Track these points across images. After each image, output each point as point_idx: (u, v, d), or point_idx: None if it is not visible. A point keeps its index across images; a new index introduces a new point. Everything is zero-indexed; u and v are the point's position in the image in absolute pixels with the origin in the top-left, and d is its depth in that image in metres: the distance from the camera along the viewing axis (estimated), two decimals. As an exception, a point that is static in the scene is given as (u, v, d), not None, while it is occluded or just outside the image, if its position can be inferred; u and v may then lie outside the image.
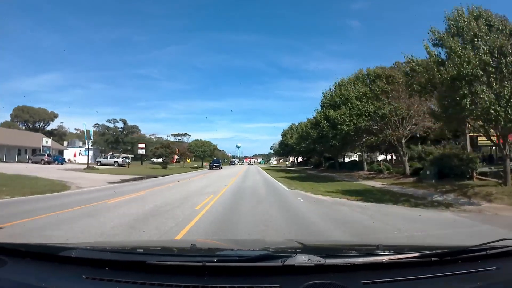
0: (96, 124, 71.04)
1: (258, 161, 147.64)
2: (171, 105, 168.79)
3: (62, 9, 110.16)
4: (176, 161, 61.94)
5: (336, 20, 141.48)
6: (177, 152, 62.31)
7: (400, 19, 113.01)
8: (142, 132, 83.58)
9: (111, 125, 69.69)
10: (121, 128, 70.20)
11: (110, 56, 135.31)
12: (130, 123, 78.19)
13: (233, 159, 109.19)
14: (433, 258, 1.36)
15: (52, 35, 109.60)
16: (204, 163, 73.23)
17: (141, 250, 1.77)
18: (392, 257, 1.35)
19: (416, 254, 1.38)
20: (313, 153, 52.82)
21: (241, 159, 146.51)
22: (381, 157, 47.51)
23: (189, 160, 72.34)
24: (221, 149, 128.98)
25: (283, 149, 75.20)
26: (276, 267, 1.25)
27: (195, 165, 65.69)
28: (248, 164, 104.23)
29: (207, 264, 1.25)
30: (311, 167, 56.68)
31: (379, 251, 1.50)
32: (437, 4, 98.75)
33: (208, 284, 1.20)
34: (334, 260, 1.34)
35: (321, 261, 1.25)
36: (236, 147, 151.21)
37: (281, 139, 72.72)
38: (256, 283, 1.20)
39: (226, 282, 1.21)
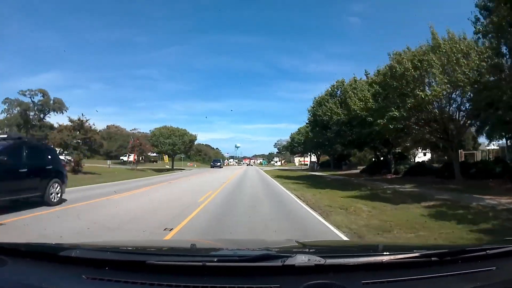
0: (6, 98, 41.11)
1: (259, 161, 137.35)
2: (170, 105, 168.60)
3: (62, 10, 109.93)
4: (137, 160, 38.64)
5: (336, 22, 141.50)
6: (136, 143, 38.28)
7: (401, 20, 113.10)
8: (72, 112, 51.99)
9: (27, 100, 40.48)
10: (39, 104, 40.16)
11: (110, 57, 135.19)
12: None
13: (217, 159, 69.63)
14: (433, 258, 1.35)
15: (52, 35, 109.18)
16: (180, 163, 54.16)
17: (141, 250, 1.78)
18: (392, 257, 1.35)
19: (416, 254, 1.38)
20: (364, 145, 27.83)
21: (240, 159, 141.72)
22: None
23: (167, 159, 49.97)
24: (215, 147, 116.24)
25: (317, 133, 36.58)
26: (276, 267, 1.25)
27: (167, 167, 42.58)
28: (247, 165, 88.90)
29: (207, 264, 1.25)
30: (358, 171, 31.80)
31: (379, 251, 1.50)
32: (437, 6, 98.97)
33: (208, 284, 1.20)
34: (334, 260, 1.34)
35: (321, 261, 1.25)
36: (235, 147, 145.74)
37: (309, 117, 38.27)
38: (256, 283, 1.21)
39: (226, 282, 1.21)
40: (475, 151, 27.23)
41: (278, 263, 1.24)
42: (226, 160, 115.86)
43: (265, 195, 13.13)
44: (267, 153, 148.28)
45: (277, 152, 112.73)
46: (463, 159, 22.84)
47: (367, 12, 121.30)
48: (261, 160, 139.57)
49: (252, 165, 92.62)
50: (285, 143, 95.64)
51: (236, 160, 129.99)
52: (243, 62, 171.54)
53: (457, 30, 14.99)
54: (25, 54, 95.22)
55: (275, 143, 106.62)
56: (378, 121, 16.74)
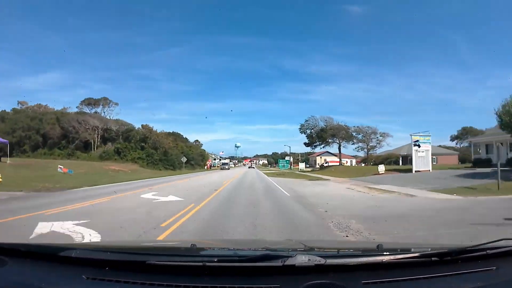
0: None
1: (261, 162, 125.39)
2: (172, 106, 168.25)
3: (64, 10, 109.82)
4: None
5: (337, 23, 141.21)
6: None
7: (402, 22, 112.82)
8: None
9: None
10: None
11: (112, 57, 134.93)
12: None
13: None
14: (433, 258, 1.36)
15: (54, 35, 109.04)
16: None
17: (141, 250, 1.78)
18: (392, 257, 1.35)
19: (416, 254, 1.38)
20: None
21: (240, 160, 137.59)
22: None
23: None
24: (190, 140, 70.66)
25: None
26: (276, 267, 1.25)
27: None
28: (249, 168, 72.81)
29: (207, 264, 1.25)
30: None
31: (379, 251, 1.50)
32: (438, 7, 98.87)
33: (208, 284, 1.20)
34: (334, 260, 1.34)
35: (321, 261, 1.25)
36: (235, 146, 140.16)
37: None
38: (256, 283, 1.21)
39: (226, 282, 1.21)
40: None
41: (278, 263, 1.24)
42: (209, 161, 75.84)
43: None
44: (270, 153, 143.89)
45: (306, 142, 51.57)
46: None
47: (369, 12, 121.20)
48: (264, 161, 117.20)
49: (253, 167, 73.78)
50: (322, 124, 48.44)
51: (228, 162, 79.23)
52: (244, 63, 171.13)
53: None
54: (27, 54, 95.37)
55: (302, 125, 50.62)
56: None
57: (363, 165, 51.98)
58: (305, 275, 1.22)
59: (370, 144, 50.42)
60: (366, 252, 1.70)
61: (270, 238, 5.35)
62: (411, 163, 43.06)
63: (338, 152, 52.13)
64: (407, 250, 1.52)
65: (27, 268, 1.36)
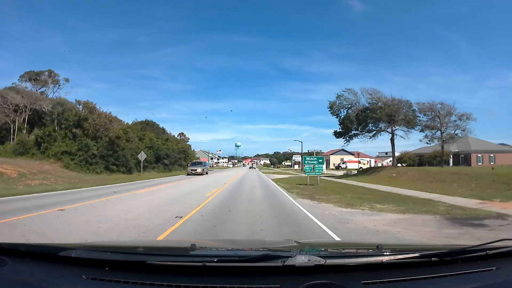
0: None
1: (262, 162, 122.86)
2: (172, 105, 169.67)
3: (65, 10, 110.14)
4: None
5: (338, 23, 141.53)
6: None
7: (402, 22, 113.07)
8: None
9: None
10: None
11: (113, 57, 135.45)
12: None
13: None
14: (433, 258, 1.35)
15: (54, 35, 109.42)
16: None
17: (141, 250, 1.77)
18: (392, 257, 1.35)
19: (416, 255, 1.38)
20: None
21: (240, 159, 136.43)
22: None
23: None
24: (175, 133, 54.17)
25: None
26: (276, 267, 1.25)
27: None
28: (250, 168, 66.29)
29: (207, 264, 1.25)
30: None
31: (379, 251, 1.50)
32: (438, 7, 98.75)
33: (208, 284, 1.20)
34: (334, 260, 1.34)
35: (321, 261, 1.25)
36: (236, 146, 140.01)
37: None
38: (256, 283, 1.20)
39: (226, 282, 1.21)
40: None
41: (278, 263, 1.24)
42: (205, 160, 55.82)
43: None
44: (272, 152, 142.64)
45: (338, 131, 32.09)
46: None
47: (370, 13, 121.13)
48: (266, 161, 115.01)
49: (254, 168, 66.45)
50: (365, 101, 30.45)
51: (202, 161, 44.23)
52: (245, 62, 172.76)
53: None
54: (28, 53, 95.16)
55: (333, 103, 31.24)
56: None
57: (399, 165, 36.20)
58: (305, 275, 1.22)
59: (447, 132, 29.24)
60: (366, 252, 1.69)
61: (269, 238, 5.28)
62: (464, 162, 33.10)
63: (357, 150, 37.34)
64: (407, 250, 1.52)
65: (27, 268, 1.36)
